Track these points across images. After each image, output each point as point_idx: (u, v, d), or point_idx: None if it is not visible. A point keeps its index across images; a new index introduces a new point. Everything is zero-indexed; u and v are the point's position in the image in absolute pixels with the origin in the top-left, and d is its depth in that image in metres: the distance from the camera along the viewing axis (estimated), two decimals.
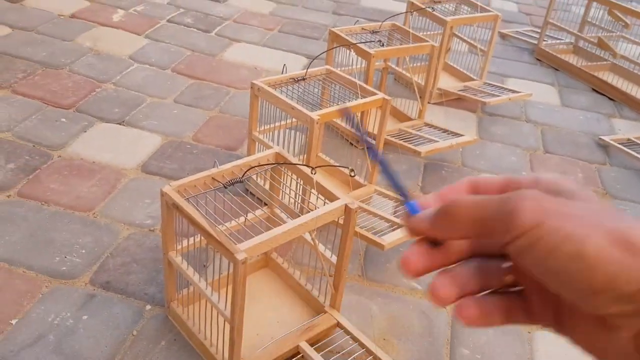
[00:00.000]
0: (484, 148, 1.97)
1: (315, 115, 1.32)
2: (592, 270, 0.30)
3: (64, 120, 1.80)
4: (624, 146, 2.01)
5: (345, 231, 1.04)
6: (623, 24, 2.49)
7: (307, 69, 1.53)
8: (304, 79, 1.53)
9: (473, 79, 2.32)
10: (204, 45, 2.45)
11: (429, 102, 2.21)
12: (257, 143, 1.53)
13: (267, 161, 1.11)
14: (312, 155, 1.35)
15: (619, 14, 2.49)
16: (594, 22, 2.70)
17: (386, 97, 1.47)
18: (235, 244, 0.88)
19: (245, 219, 1.06)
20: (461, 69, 2.39)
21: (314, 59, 1.69)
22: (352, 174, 1.15)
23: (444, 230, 0.36)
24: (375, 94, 1.48)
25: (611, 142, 2.02)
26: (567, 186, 0.35)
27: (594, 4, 2.60)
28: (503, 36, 2.99)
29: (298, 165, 1.07)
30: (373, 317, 1.23)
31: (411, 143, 1.76)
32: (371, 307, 1.27)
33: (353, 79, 1.51)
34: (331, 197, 1.03)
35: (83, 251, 1.31)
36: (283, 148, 1.50)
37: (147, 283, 1.25)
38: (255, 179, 1.49)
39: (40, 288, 1.21)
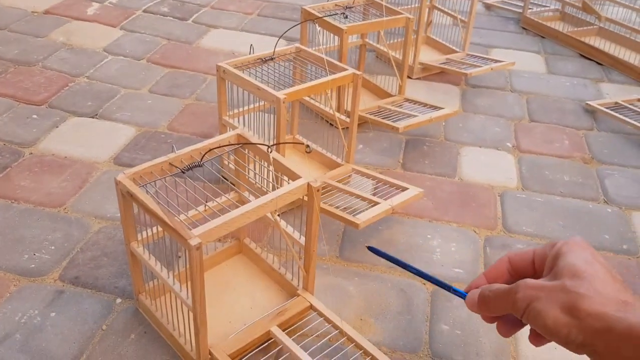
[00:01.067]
0: (467, 120, 1.92)
1: (281, 94, 1.28)
2: (553, 333, 0.56)
3: (35, 116, 1.76)
4: (612, 110, 1.96)
5: (310, 211, 1.00)
6: None
7: (275, 48, 1.49)
8: (272, 59, 1.48)
9: (456, 52, 2.27)
10: (180, 33, 2.40)
11: (411, 78, 2.16)
12: (228, 128, 1.49)
13: (227, 143, 1.07)
14: (280, 136, 1.31)
15: None
16: None
17: (356, 72, 1.42)
18: (190, 230, 0.85)
19: (206, 206, 1.02)
20: (444, 42, 2.33)
21: (280, 37, 1.64)
22: (308, 150, 1.11)
23: (485, 311, 0.68)
24: (345, 69, 1.44)
25: (598, 106, 1.97)
26: (568, 259, 0.59)
27: None
28: (488, 6, 2.93)
29: (256, 145, 1.03)
30: (349, 298, 1.20)
31: (390, 119, 1.72)
32: (348, 288, 1.23)
33: (322, 55, 1.47)
34: (292, 176, 1.00)
35: (52, 247, 1.29)
36: (255, 132, 1.47)
37: (117, 276, 1.22)
38: (225, 163, 1.46)
39: (8, 287, 1.18)
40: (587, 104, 2.02)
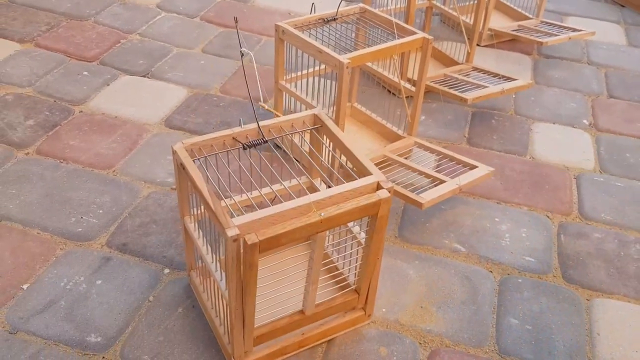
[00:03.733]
0: (539, 94, 1.77)
1: (345, 58, 1.18)
2: None
3: (86, 73, 1.71)
4: None
5: (374, 220, 0.88)
6: None
7: (338, 8, 1.38)
8: (334, 20, 1.38)
9: (529, 18, 2.09)
10: None
11: (478, 45, 2.01)
12: (284, 93, 1.40)
13: (302, 124, 0.98)
14: (342, 105, 1.21)
15: None
16: None
17: (427, 36, 1.30)
18: (231, 218, 0.76)
19: (259, 191, 0.94)
20: (515, 7, 2.16)
21: None
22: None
23: None
24: (414, 33, 1.32)
25: None
26: None
27: None
28: None
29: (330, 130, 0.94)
30: (409, 282, 1.11)
31: (457, 89, 1.59)
32: (407, 271, 1.14)
33: (390, 17, 1.35)
34: (363, 171, 0.88)
35: (100, 211, 1.24)
36: (312, 98, 1.37)
37: (166, 245, 1.16)
38: (293, 141, 1.37)
39: (55, 250, 1.14)
40: None
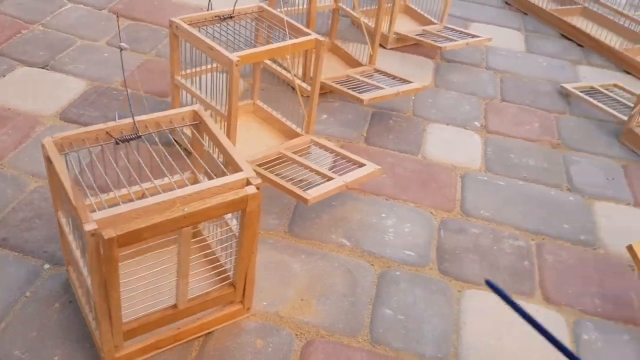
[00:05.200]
0: (437, 96, 1.86)
1: (234, 56, 1.20)
2: None
3: None
4: (586, 94, 1.90)
5: (244, 215, 0.91)
6: None
7: (235, 5, 1.40)
8: (231, 17, 1.39)
9: (433, 23, 2.18)
10: None
11: (385, 48, 2.08)
12: (180, 90, 1.41)
13: (181, 120, 0.99)
14: (233, 102, 1.23)
15: None
16: None
17: (319, 38, 1.34)
18: (90, 213, 0.77)
19: (129, 190, 0.95)
20: (422, 12, 2.25)
21: None
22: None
23: None
24: (307, 34, 1.36)
25: (572, 90, 1.92)
26: None
27: None
28: None
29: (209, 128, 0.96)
30: (293, 276, 1.15)
31: (356, 90, 1.64)
32: (293, 266, 1.18)
33: (283, 17, 1.38)
34: (235, 168, 0.91)
35: None
36: (209, 95, 1.38)
37: (48, 240, 1.15)
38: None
39: None
40: (561, 86, 1.96)
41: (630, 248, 1.11)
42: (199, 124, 1.00)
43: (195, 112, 1.00)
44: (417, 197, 1.43)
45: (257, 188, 0.87)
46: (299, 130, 1.50)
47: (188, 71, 1.40)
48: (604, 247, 1.36)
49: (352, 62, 1.90)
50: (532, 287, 1.22)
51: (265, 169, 1.33)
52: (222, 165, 0.92)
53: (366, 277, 1.19)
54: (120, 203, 0.81)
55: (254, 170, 1.27)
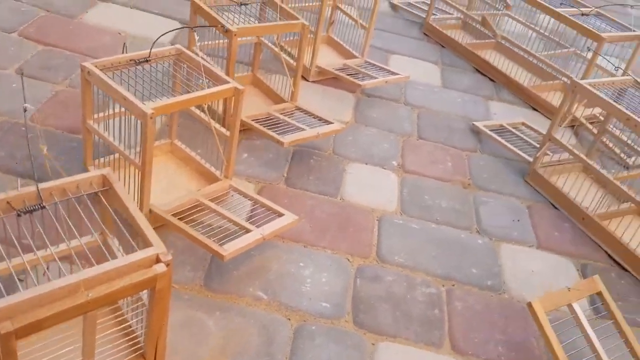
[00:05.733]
0: (357, 134, 1.90)
1: (148, 108, 1.17)
2: None
3: None
4: (496, 133, 2.00)
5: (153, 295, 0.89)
6: (504, 4, 2.48)
7: (151, 48, 1.37)
8: (147, 61, 1.36)
9: (355, 56, 2.22)
10: (62, 4, 2.18)
11: (308, 80, 2.10)
12: (93, 135, 1.36)
13: (89, 185, 0.95)
14: (147, 157, 1.21)
15: None
16: None
17: (238, 86, 1.34)
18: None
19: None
20: (344, 45, 2.28)
21: (161, 35, 1.51)
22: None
23: None
24: (226, 82, 1.35)
25: (482, 128, 2.01)
26: None
27: None
28: (395, 7, 2.91)
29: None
30: (207, 335, 1.14)
31: (277, 130, 1.65)
32: (207, 323, 1.17)
33: (200, 60, 1.36)
34: (145, 241, 0.89)
35: None
36: (123, 141, 1.35)
37: None
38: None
39: None
40: (473, 124, 2.06)
41: (530, 306, 1.18)
42: (108, 190, 0.97)
43: (104, 177, 0.97)
44: (335, 242, 1.45)
45: (167, 265, 0.86)
46: (217, 173, 1.49)
47: (101, 114, 1.36)
48: (508, 292, 1.44)
49: (274, 97, 1.90)
50: (442, 337, 1.27)
51: (181, 218, 1.31)
52: (131, 240, 0.90)
53: (282, 333, 1.19)
54: (16, 277, 0.77)
55: (169, 221, 1.25)
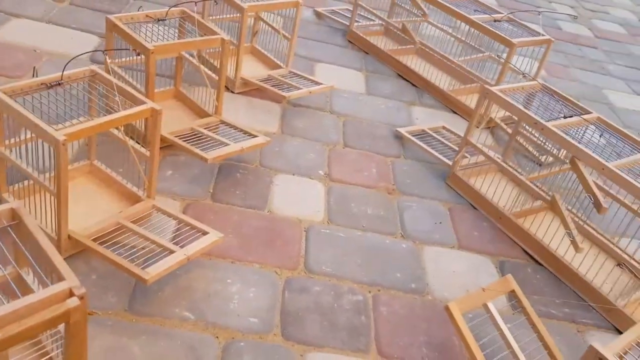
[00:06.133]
0: (283, 144, 1.92)
1: (60, 134, 1.15)
2: None
3: None
4: (417, 138, 2.07)
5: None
6: (422, 13, 2.57)
7: (63, 70, 1.34)
8: (59, 84, 1.33)
9: (280, 66, 2.24)
10: None
11: (233, 92, 2.10)
12: (5, 162, 1.32)
13: None
14: (62, 182, 1.18)
15: (418, 2, 2.55)
16: (403, 5, 2.75)
17: (155, 107, 1.33)
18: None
19: None
20: (269, 55, 2.30)
21: (72, 59, 1.48)
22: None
23: None
24: (143, 102, 1.34)
25: (405, 134, 2.08)
26: None
27: None
28: (319, 15, 2.95)
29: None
30: None
31: (201, 146, 1.65)
32: (132, 349, 1.16)
33: (114, 81, 1.35)
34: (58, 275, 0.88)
35: None
36: (34, 166, 1.31)
37: None
38: None
39: None
40: (396, 130, 2.12)
41: (447, 308, 1.23)
42: (17, 224, 0.95)
43: (13, 211, 0.95)
44: (263, 256, 1.47)
45: (81, 298, 0.85)
46: (140, 193, 1.47)
47: (13, 140, 1.32)
48: (431, 293, 1.49)
49: (199, 111, 1.89)
50: (368, 343, 1.31)
51: (102, 242, 1.29)
52: (42, 275, 0.88)
53: (210, 352, 1.20)
54: None
55: (89, 246, 1.23)
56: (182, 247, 1.30)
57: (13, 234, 0.94)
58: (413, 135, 2.08)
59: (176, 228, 1.42)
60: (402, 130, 2.10)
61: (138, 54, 1.53)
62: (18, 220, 0.95)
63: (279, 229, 1.57)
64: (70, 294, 0.85)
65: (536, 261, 1.69)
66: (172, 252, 1.28)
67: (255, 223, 1.57)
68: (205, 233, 1.36)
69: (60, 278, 0.87)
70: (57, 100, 1.31)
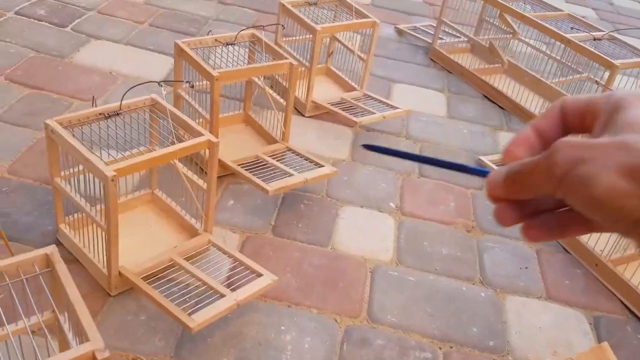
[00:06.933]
0: (353, 173, 1.80)
1: (110, 170, 1.09)
2: (602, 206, 0.37)
3: None
4: None
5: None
6: (512, 31, 2.36)
7: (122, 100, 1.29)
8: (117, 114, 1.29)
9: (355, 89, 2.13)
10: (54, 43, 2.14)
11: (304, 115, 2.02)
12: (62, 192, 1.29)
13: (31, 266, 0.88)
14: (111, 219, 1.13)
15: (509, 20, 2.35)
16: (492, 20, 2.56)
17: (212, 139, 1.25)
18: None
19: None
20: (343, 76, 2.19)
21: (132, 88, 1.43)
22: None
23: (514, 192, 0.42)
24: (200, 134, 1.26)
25: (489, 163, 1.89)
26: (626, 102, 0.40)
27: None
28: (400, 32, 2.81)
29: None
30: None
31: (263, 176, 1.56)
32: None
33: (179, 115, 1.29)
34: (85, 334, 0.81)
35: None
36: (90, 200, 1.27)
37: None
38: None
39: None
40: (479, 159, 1.94)
41: None
42: (50, 272, 0.89)
43: (47, 257, 0.89)
44: (322, 300, 1.35)
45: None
46: (198, 225, 1.40)
47: (70, 171, 1.29)
48: (512, 353, 1.31)
49: (266, 136, 1.82)
50: None
51: (154, 280, 1.23)
52: (65, 332, 0.81)
53: None
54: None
55: (136, 284, 1.17)
56: (234, 289, 1.21)
57: (43, 282, 0.88)
58: (498, 165, 1.89)
59: (232, 266, 1.33)
60: (486, 159, 1.92)
61: (192, 86, 1.47)
62: (52, 267, 0.89)
63: (342, 269, 1.45)
64: (94, 357, 0.78)
65: (638, 318, 1.46)
66: (222, 295, 1.19)
67: (316, 261, 1.45)
68: (259, 275, 1.26)
69: (86, 338, 0.80)
70: (117, 129, 1.26)
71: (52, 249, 0.90)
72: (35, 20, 2.26)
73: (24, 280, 0.86)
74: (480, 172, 0.46)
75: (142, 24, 2.41)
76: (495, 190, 0.43)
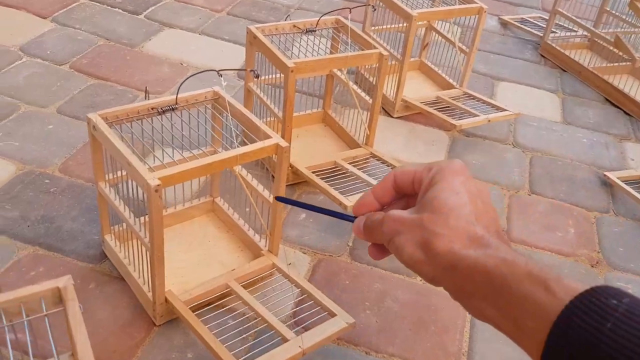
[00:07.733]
0: None
1: (153, 178, 0.88)
2: (410, 267, 0.55)
3: None
4: (635, 188, 1.53)
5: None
6: None
7: (177, 93, 1.09)
8: (172, 109, 1.08)
9: (453, 86, 1.84)
10: (125, 31, 2.00)
11: (392, 116, 1.75)
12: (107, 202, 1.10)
13: (38, 301, 0.68)
14: (156, 238, 0.92)
15: None
16: (616, 12, 2.17)
17: (282, 143, 1.02)
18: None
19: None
20: (439, 72, 1.90)
21: (188, 77, 1.21)
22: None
23: (369, 239, 0.60)
24: (268, 137, 1.03)
25: (617, 181, 1.55)
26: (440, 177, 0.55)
27: None
28: (505, 24, 2.47)
29: None
30: None
31: (342, 187, 1.31)
32: None
33: (244, 112, 1.06)
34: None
35: None
36: (132, 211, 1.07)
37: None
38: None
39: None
40: (604, 174, 1.59)
41: None
42: (64, 309, 0.68)
43: (59, 290, 0.68)
44: (408, 348, 1.08)
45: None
46: (262, 244, 1.17)
47: (115, 175, 1.09)
48: None
49: (348, 139, 1.57)
50: None
51: (203, 312, 1.01)
52: None
53: None
54: None
55: (184, 315, 0.95)
56: (300, 331, 0.97)
57: (47, 325, 0.67)
58: (627, 184, 1.54)
59: (297, 301, 1.09)
60: (612, 176, 1.57)
61: (257, 76, 1.24)
62: (62, 306, 0.68)
63: (435, 307, 1.17)
64: None
65: None
66: (285, 340, 0.95)
67: (402, 296, 1.19)
68: (332, 314, 1.01)
69: None
70: (173, 127, 1.05)
71: (65, 282, 0.69)
72: (108, 7, 2.13)
73: (25, 322, 0.66)
74: (347, 218, 0.63)
75: (219, 12, 2.23)
76: (359, 236, 0.61)
